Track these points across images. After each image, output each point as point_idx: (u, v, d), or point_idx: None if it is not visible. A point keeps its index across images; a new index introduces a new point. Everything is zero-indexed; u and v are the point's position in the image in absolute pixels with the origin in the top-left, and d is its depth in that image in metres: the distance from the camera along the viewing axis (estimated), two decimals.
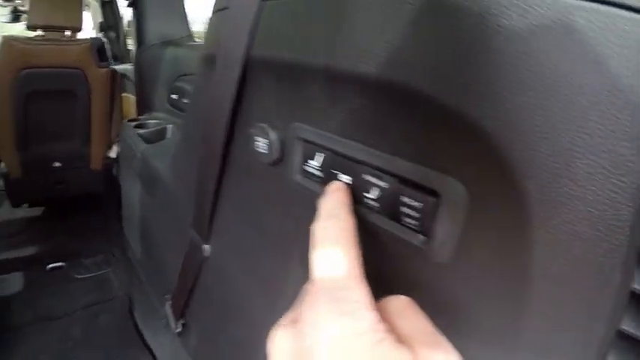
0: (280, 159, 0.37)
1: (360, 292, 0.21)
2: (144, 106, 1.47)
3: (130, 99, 1.82)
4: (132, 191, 1.22)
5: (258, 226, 0.47)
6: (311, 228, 0.25)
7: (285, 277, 0.44)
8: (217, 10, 0.50)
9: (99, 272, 1.65)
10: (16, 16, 3.30)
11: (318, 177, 0.32)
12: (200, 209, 0.57)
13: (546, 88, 0.18)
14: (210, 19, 0.54)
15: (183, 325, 0.92)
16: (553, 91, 0.18)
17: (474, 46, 0.20)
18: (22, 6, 3.24)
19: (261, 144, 0.37)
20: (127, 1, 1.55)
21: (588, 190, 0.18)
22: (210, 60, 0.48)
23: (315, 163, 0.32)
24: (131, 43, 2.65)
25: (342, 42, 0.27)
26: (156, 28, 1.46)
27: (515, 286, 0.21)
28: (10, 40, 1.55)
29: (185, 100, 1.18)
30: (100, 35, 2.77)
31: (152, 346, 1.19)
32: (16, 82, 1.57)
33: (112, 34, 2.77)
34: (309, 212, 0.34)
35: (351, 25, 0.27)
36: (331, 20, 0.28)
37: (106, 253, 1.78)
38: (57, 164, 1.83)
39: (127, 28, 2.62)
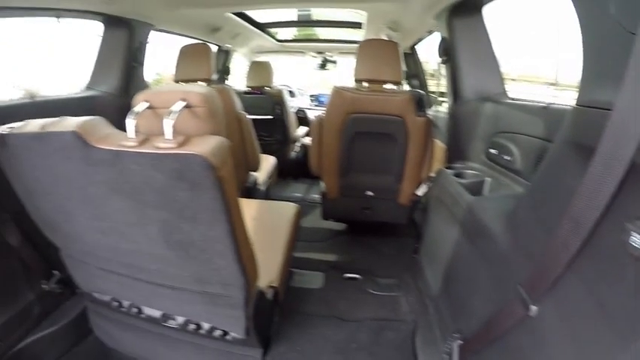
0: None
1: None
2: (455, 155, 1.67)
3: (435, 143, 2.07)
4: (440, 231, 1.38)
5: (604, 305, 0.54)
6: None
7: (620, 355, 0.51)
8: (594, 106, 0.60)
9: (390, 293, 1.91)
10: (322, 65, 4.34)
11: None
12: (539, 273, 0.67)
13: None
14: (576, 110, 0.65)
15: None
16: None
17: None
18: (331, 56, 4.24)
19: (638, 240, 0.46)
20: (442, 59, 1.79)
21: None
22: (583, 150, 0.58)
23: None
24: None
25: None
26: (471, 84, 1.64)
27: None
28: (340, 89, 1.99)
29: (506, 157, 1.30)
30: (404, 83, 3.23)
31: None
32: (344, 124, 2.00)
33: (415, 82, 3.20)
34: None
35: None
36: None
37: (398, 277, 2.04)
38: (369, 193, 2.24)
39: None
